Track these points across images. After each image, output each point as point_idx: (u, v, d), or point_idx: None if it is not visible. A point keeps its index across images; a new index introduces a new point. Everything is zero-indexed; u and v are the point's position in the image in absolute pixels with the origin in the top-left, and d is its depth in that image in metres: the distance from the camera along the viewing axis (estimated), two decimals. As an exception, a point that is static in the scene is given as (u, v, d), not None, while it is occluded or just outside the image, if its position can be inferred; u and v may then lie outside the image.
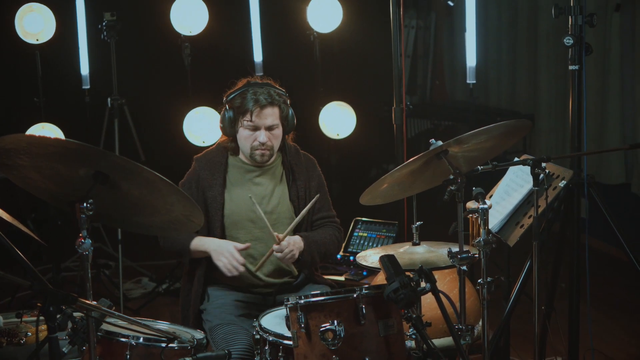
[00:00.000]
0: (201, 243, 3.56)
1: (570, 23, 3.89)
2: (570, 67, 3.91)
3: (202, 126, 5.39)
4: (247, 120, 3.55)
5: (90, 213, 2.68)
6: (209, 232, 3.61)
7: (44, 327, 2.65)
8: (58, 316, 2.46)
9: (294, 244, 3.50)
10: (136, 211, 2.89)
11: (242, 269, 3.47)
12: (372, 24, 6.66)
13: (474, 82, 4.89)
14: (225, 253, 3.47)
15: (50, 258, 5.89)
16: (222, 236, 3.61)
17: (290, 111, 3.65)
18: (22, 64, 6.03)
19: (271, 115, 3.56)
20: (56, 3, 5.45)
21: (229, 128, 3.61)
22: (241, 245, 3.50)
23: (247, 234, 3.62)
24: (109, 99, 5.56)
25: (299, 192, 3.67)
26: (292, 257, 3.49)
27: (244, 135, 3.59)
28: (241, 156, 3.68)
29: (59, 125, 5.37)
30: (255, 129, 3.56)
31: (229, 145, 3.68)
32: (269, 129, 3.57)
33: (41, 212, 5.91)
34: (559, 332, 4.01)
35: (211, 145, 3.83)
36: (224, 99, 3.65)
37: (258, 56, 5.57)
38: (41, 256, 6.04)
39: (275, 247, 3.46)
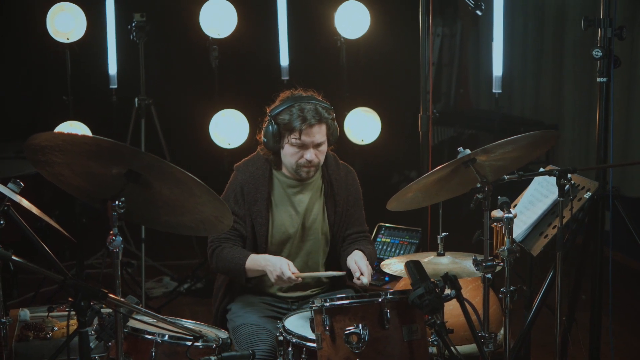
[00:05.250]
0: (256, 263, 3.50)
1: (599, 35, 3.90)
2: (599, 79, 3.92)
3: (228, 128, 5.41)
4: (295, 138, 3.48)
5: (122, 211, 2.72)
6: (255, 247, 3.60)
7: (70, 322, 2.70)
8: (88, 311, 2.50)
9: (368, 269, 3.47)
10: (166, 210, 2.92)
11: (296, 281, 3.45)
12: (399, 31, 6.68)
13: (500, 91, 4.90)
14: (277, 271, 3.41)
15: (73, 255, 5.95)
16: (267, 251, 3.59)
17: (335, 123, 3.59)
18: (52, 62, 6.10)
19: (319, 133, 3.49)
20: (87, 3, 5.50)
21: (273, 143, 3.54)
22: (293, 268, 3.44)
23: (288, 249, 3.63)
24: (136, 99, 5.62)
25: (337, 207, 3.64)
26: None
27: (289, 151, 3.53)
28: (284, 170, 3.62)
29: (86, 123, 5.42)
30: (303, 147, 3.50)
31: (271, 159, 3.62)
32: (317, 146, 3.52)
33: (65, 210, 5.97)
34: (579, 344, 4.01)
35: (249, 145, 3.79)
36: (268, 113, 3.56)
37: (284, 60, 5.60)
38: (64, 253, 6.09)
39: (364, 281, 3.41)
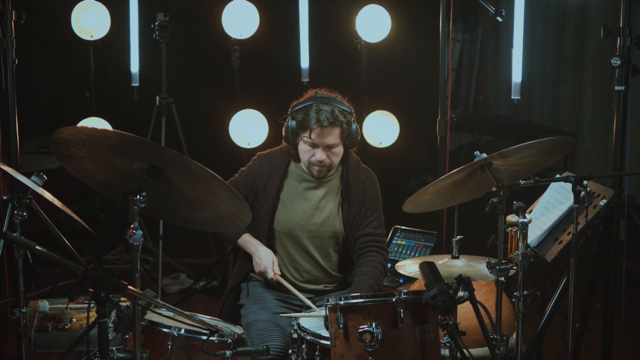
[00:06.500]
0: (248, 244, 3.67)
1: (618, 44, 3.92)
2: (617, 88, 3.94)
3: (247, 128, 5.46)
4: (307, 137, 3.57)
5: (143, 205, 2.77)
6: (255, 232, 3.69)
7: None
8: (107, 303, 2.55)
9: None
10: (186, 206, 2.97)
11: (273, 280, 3.61)
12: (419, 36, 6.70)
13: (519, 98, 4.92)
14: (263, 265, 3.60)
15: (91, 250, 6.02)
16: (269, 238, 3.68)
17: (355, 126, 3.62)
18: (75, 59, 6.19)
19: (331, 135, 3.55)
20: (111, 1, 5.57)
21: (291, 138, 3.63)
22: (276, 269, 3.61)
23: (294, 240, 3.69)
24: (157, 97, 5.69)
25: (351, 208, 3.69)
26: None
27: (303, 149, 3.62)
28: (302, 164, 3.70)
29: (108, 120, 5.49)
30: (314, 146, 3.58)
31: (292, 152, 3.70)
32: (328, 147, 3.57)
33: (85, 205, 6.04)
34: (591, 351, 4.03)
35: (269, 144, 3.87)
36: (289, 109, 3.66)
37: (305, 62, 5.64)
38: (83, 248, 6.16)
39: None
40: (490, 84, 8.40)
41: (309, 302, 3.55)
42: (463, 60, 8.26)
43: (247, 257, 3.70)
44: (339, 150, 3.61)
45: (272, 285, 3.69)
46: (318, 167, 3.61)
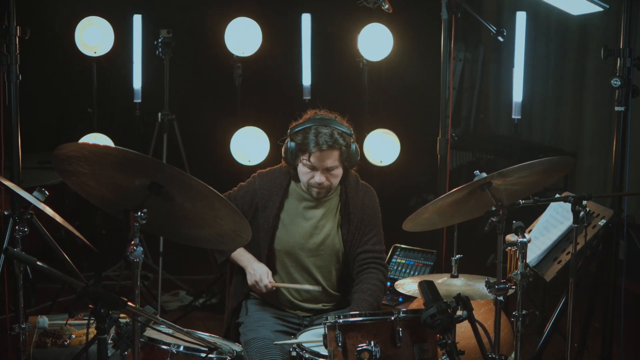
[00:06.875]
0: (241, 258, 3.69)
1: (618, 65, 3.94)
2: (617, 108, 3.96)
3: (248, 145, 5.47)
4: (306, 160, 3.58)
5: (144, 222, 2.78)
6: (255, 251, 3.69)
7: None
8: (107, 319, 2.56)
9: None
10: (187, 223, 2.98)
11: (270, 290, 3.63)
12: (421, 55, 6.73)
13: (519, 117, 4.94)
14: (258, 274, 3.61)
15: (91, 266, 6.02)
16: (269, 257, 3.69)
17: (354, 147, 3.63)
18: (78, 74, 6.20)
19: (330, 158, 3.56)
20: (115, 18, 5.60)
21: (291, 159, 3.64)
22: (271, 279, 3.63)
23: (293, 260, 3.70)
24: (159, 114, 5.71)
25: (350, 226, 3.70)
26: None
27: (302, 170, 3.63)
28: (302, 184, 3.71)
29: (110, 136, 5.51)
30: (314, 169, 3.59)
31: (291, 172, 3.71)
32: (327, 170, 3.59)
33: (85, 221, 6.05)
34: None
35: (270, 162, 3.89)
36: (289, 130, 3.66)
37: (307, 80, 5.67)
38: (83, 264, 6.16)
39: None
40: (491, 103, 8.43)
41: (310, 287, 3.60)
42: (464, 80, 8.29)
43: (242, 275, 3.70)
44: (339, 172, 3.62)
45: (269, 303, 3.70)
46: (317, 189, 3.62)
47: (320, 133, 3.55)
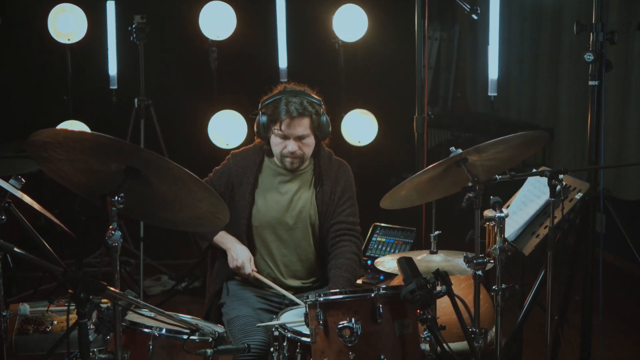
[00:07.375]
0: (224, 240, 3.69)
1: (591, 40, 3.96)
2: (590, 83, 3.98)
3: (226, 129, 5.48)
4: (278, 129, 3.62)
5: (121, 207, 2.77)
6: (234, 229, 3.71)
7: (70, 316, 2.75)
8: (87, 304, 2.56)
9: None
10: (164, 206, 2.98)
11: (250, 276, 3.65)
12: (396, 35, 6.75)
13: (495, 94, 4.96)
14: (240, 260, 3.62)
15: (72, 253, 6.01)
16: (248, 234, 3.71)
17: (324, 118, 3.68)
18: (52, 62, 6.17)
19: (301, 126, 3.61)
20: (88, 4, 5.58)
21: (263, 132, 3.69)
22: (253, 266, 3.65)
23: (272, 234, 3.72)
24: (135, 100, 5.68)
25: (324, 197, 3.73)
26: None
27: (275, 141, 3.67)
28: (275, 159, 3.75)
29: (87, 123, 5.49)
30: (285, 138, 3.63)
31: (265, 147, 3.76)
32: (299, 138, 3.63)
33: (64, 209, 6.03)
34: (571, 343, 4.07)
35: (249, 144, 3.90)
36: (260, 104, 3.71)
37: (283, 62, 5.66)
38: (63, 251, 6.15)
39: None
40: (468, 81, 8.46)
41: (289, 295, 3.59)
42: (441, 58, 8.31)
43: (224, 259, 3.71)
44: (310, 141, 3.66)
45: (250, 283, 3.71)
46: (290, 158, 3.65)
47: (291, 102, 3.61)
